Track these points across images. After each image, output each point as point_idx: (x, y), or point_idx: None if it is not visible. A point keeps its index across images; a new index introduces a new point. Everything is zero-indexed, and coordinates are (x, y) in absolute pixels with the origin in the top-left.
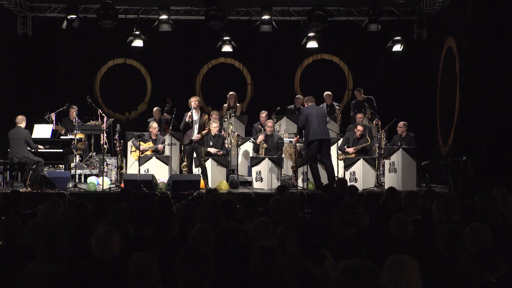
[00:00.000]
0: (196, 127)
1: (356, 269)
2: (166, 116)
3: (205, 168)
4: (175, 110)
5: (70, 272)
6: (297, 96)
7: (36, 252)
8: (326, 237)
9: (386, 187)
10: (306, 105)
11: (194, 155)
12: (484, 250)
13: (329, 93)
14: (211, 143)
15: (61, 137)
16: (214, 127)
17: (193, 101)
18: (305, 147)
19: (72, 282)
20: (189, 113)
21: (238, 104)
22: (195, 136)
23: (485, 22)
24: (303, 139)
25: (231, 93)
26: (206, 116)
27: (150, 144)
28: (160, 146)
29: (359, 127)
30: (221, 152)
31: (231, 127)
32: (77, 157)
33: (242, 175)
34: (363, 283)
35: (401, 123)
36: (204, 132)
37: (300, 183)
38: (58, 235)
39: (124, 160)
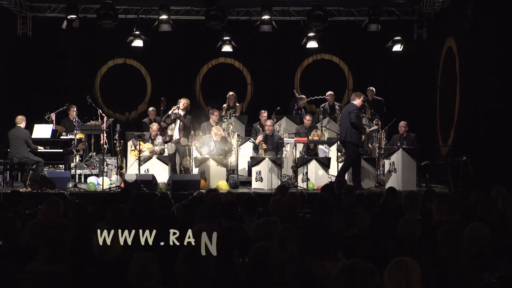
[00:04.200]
0: (176, 129)
1: (353, 269)
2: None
3: (189, 169)
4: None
5: (71, 272)
6: (299, 96)
7: (35, 252)
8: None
9: (386, 187)
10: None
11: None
12: (484, 250)
13: (331, 92)
14: (212, 147)
15: (61, 137)
16: (215, 133)
17: (184, 104)
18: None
19: (72, 282)
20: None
21: (237, 104)
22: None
23: (485, 22)
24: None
25: (231, 93)
26: (190, 118)
27: (149, 144)
28: (157, 149)
29: None
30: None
31: (231, 127)
32: (77, 157)
33: (242, 175)
34: (361, 284)
35: (402, 123)
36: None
37: (300, 183)
38: (59, 235)
39: (124, 160)
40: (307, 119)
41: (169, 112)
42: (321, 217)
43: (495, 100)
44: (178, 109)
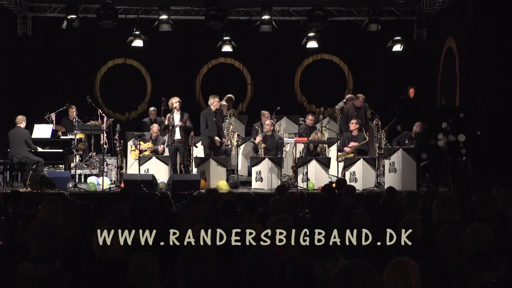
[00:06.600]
0: (177, 128)
1: (352, 269)
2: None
3: (189, 169)
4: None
5: (66, 274)
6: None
7: None
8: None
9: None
10: None
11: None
12: (484, 250)
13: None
14: (214, 119)
15: (61, 137)
16: (216, 102)
17: (177, 102)
18: None
19: (69, 283)
20: (170, 116)
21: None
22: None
23: (485, 22)
24: None
25: (228, 95)
26: (187, 115)
27: (149, 144)
28: (160, 147)
29: (353, 120)
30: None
31: (231, 127)
32: (77, 157)
33: (242, 175)
34: (359, 284)
35: (418, 123)
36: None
37: (300, 183)
38: (50, 234)
39: (124, 160)
40: (309, 118)
41: (166, 122)
42: (321, 217)
43: (495, 100)
44: (173, 113)
